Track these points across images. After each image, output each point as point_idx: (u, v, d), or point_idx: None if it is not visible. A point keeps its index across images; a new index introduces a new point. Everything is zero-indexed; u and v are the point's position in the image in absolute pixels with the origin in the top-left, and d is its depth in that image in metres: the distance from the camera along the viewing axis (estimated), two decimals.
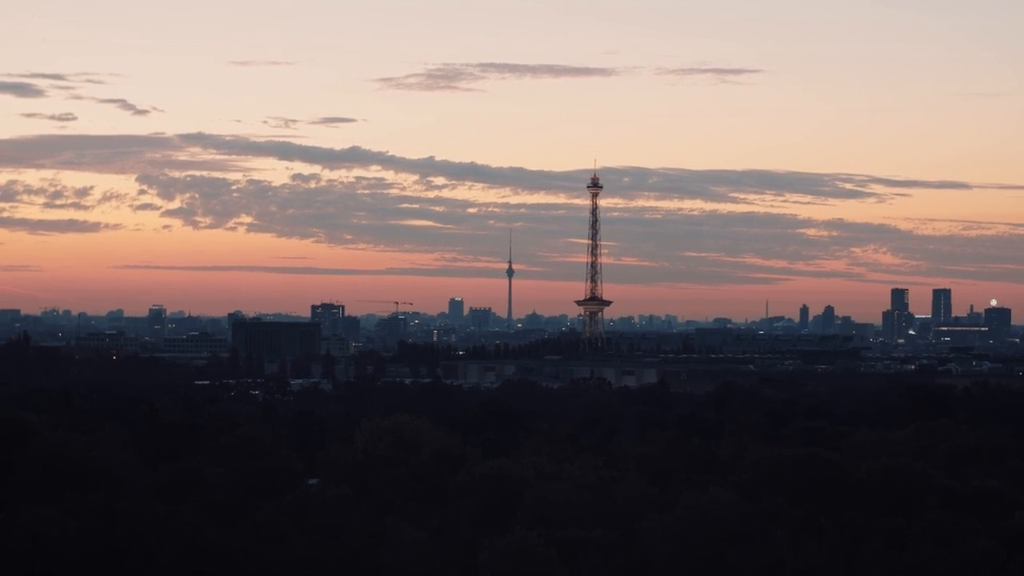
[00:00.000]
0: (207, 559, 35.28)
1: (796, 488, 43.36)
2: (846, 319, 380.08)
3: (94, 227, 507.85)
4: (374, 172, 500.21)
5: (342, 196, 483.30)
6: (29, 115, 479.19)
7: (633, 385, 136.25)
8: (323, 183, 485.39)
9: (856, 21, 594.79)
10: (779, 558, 37.92)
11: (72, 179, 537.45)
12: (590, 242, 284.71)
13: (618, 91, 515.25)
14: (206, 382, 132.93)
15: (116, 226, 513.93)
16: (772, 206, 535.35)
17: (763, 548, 38.41)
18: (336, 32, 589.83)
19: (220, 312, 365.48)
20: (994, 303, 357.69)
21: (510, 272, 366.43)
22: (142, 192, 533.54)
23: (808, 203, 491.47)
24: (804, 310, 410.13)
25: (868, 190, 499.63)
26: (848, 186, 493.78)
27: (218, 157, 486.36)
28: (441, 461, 51.21)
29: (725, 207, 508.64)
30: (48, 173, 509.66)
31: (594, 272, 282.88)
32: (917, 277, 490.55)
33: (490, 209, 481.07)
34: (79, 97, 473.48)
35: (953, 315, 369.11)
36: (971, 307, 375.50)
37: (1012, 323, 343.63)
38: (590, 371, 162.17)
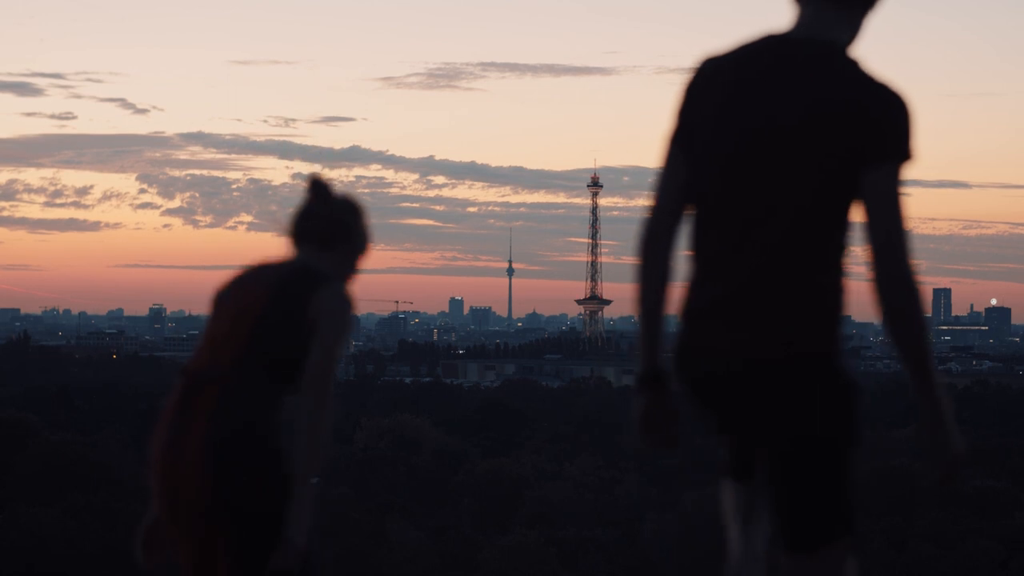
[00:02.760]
0: None
1: None
2: (846, 318, 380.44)
3: (94, 226, 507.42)
4: (374, 171, 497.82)
5: None
6: (29, 114, 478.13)
7: (633, 384, 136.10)
8: None
9: None
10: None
11: (72, 178, 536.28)
12: (590, 241, 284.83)
13: (618, 90, 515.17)
14: None
15: (116, 225, 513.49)
16: None
17: None
18: (337, 31, 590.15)
19: None
20: (994, 302, 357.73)
21: (510, 271, 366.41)
22: (142, 191, 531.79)
23: None
24: None
25: None
26: None
27: (218, 156, 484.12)
28: (441, 460, 51.24)
29: None
30: (48, 172, 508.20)
31: (594, 271, 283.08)
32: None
33: (490, 208, 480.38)
34: (79, 96, 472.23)
35: (953, 314, 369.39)
36: (971, 306, 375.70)
37: (1012, 322, 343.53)
38: (590, 370, 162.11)
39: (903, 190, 3.17)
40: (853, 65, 3.20)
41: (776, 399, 3.23)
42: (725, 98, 3.22)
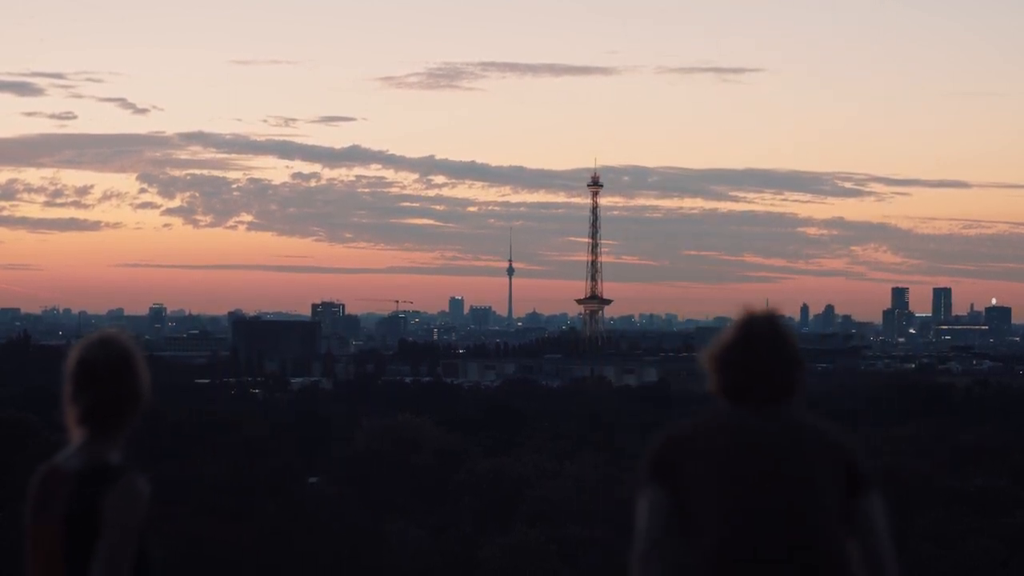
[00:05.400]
0: (207, 559, 35.29)
1: None
2: (846, 318, 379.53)
3: (94, 226, 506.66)
4: (374, 171, 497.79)
5: (342, 195, 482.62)
6: (29, 114, 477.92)
7: (634, 383, 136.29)
8: (323, 182, 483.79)
9: (857, 20, 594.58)
10: None
11: (72, 178, 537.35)
12: (590, 241, 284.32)
13: (619, 90, 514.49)
14: (206, 381, 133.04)
15: (116, 224, 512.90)
16: (772, 205, 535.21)
17: None
18: (337, 31, 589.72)
19: (220, 311, 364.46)
20: (994, 302, 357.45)
21: (510, 271, 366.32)
22: (142, 191, 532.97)
23: (808, 202, 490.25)
24: (804, 309, 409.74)
25: (868, 189, 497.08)
26: (848, 185, 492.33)
27: (218, 156, 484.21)
28: (442, 459, 51.23)
29: (725, 206, 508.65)
30: (48, 172, 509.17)
31: (594, 271, 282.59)
32: (917, 276, 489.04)
33: (490, 208, 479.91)
34: (79, 96, 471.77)
35: (953, 314, 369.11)
36: (971, 306, 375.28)
37: (1012, 322, 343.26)
38: (590, 370, 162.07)
39: (883, 512, 4.13)
40: (814, 427, 4.08)
41: None
42: (724, 456, 3.99)
